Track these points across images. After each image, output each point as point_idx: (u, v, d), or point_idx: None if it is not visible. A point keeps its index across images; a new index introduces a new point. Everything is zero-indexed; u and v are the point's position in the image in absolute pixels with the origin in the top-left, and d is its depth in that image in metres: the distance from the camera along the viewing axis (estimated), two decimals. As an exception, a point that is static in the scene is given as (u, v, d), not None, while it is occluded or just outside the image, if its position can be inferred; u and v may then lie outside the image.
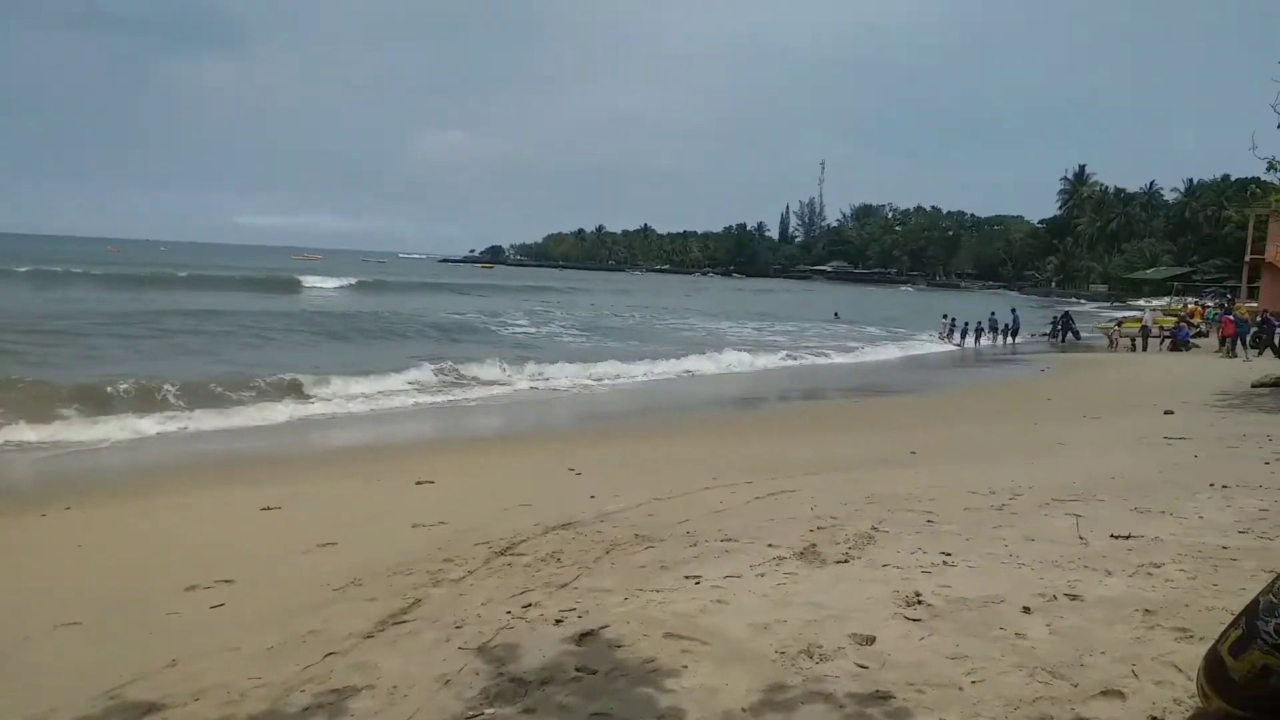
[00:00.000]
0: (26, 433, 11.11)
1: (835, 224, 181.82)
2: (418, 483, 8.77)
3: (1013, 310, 40.25)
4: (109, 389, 13.67)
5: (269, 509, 7.72)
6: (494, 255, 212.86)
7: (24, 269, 41.86)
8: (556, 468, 9.67)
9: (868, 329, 40.85)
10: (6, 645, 4.87)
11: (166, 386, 14.10)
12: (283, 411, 13.45)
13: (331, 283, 54.58)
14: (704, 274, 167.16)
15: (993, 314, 39.02)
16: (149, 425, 12.01)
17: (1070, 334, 37.49)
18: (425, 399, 15.80)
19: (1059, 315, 40.52)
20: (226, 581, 5.65)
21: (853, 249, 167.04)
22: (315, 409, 13.97)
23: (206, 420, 12.52)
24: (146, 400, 13.43)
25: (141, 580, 5.94)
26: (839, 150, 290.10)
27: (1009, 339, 37.37)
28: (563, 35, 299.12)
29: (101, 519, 7.87)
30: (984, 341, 36.60)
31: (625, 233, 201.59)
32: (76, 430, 11.60)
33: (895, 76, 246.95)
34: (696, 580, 4.71)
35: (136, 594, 5.65)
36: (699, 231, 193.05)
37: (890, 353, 30.48)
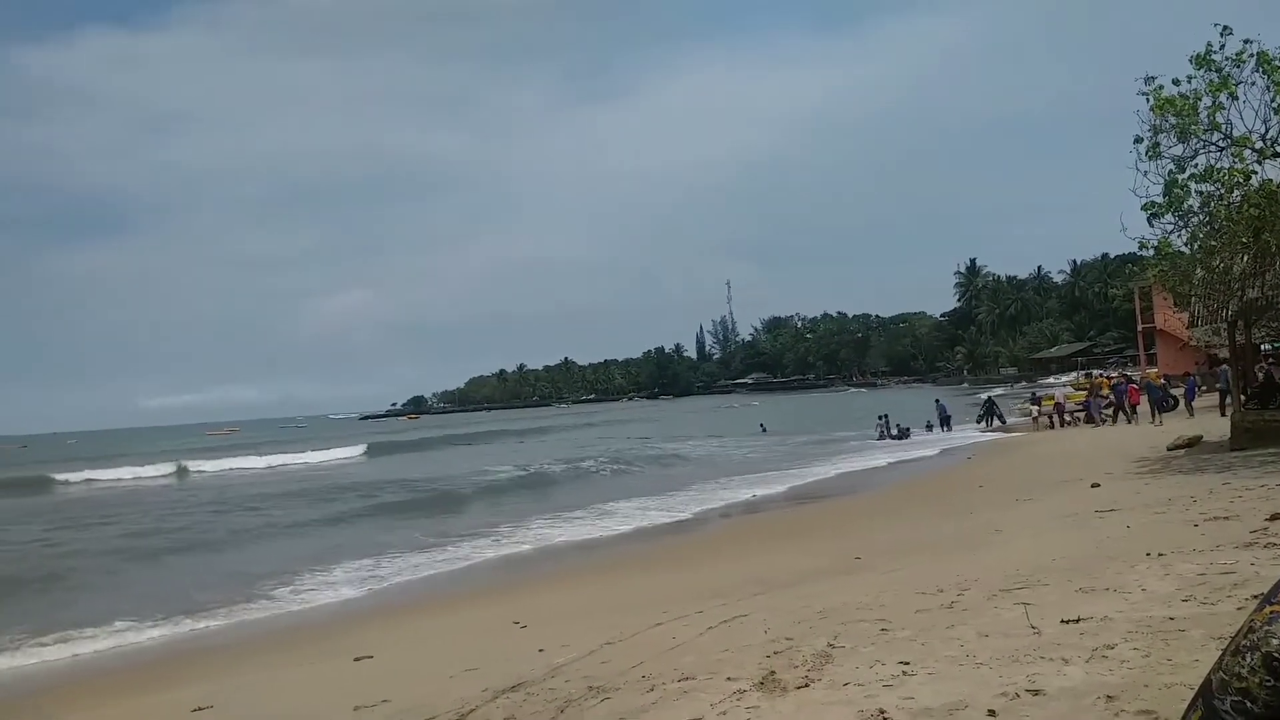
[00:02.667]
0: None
1: (749, 338, 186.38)
2: (356, 659, 8.33)
3: (937, 400, 41.68)
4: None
5: (199, 709, 7.22)
6: (417, 405, 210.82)
7: None
8: (500, 622, 9.34)
9: (796, 439, 41.19)
10: None
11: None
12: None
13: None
14: (630, 399, 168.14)
15: (938, 400, 41.04)
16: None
17: (996, 418, 38.71)
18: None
19: (984, 401, 42.02)
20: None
21: (769, 359, 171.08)
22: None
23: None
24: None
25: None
26: (741, 269, 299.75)
27: (946, 429, 38.52)
28: (452, 196, 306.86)
29: None
30: (939, 432, 37.74)
31: (547, 368, 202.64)
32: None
33: (779, 197, 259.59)
34: (657, 729, 4.53)
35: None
36: (620, 359, 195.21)
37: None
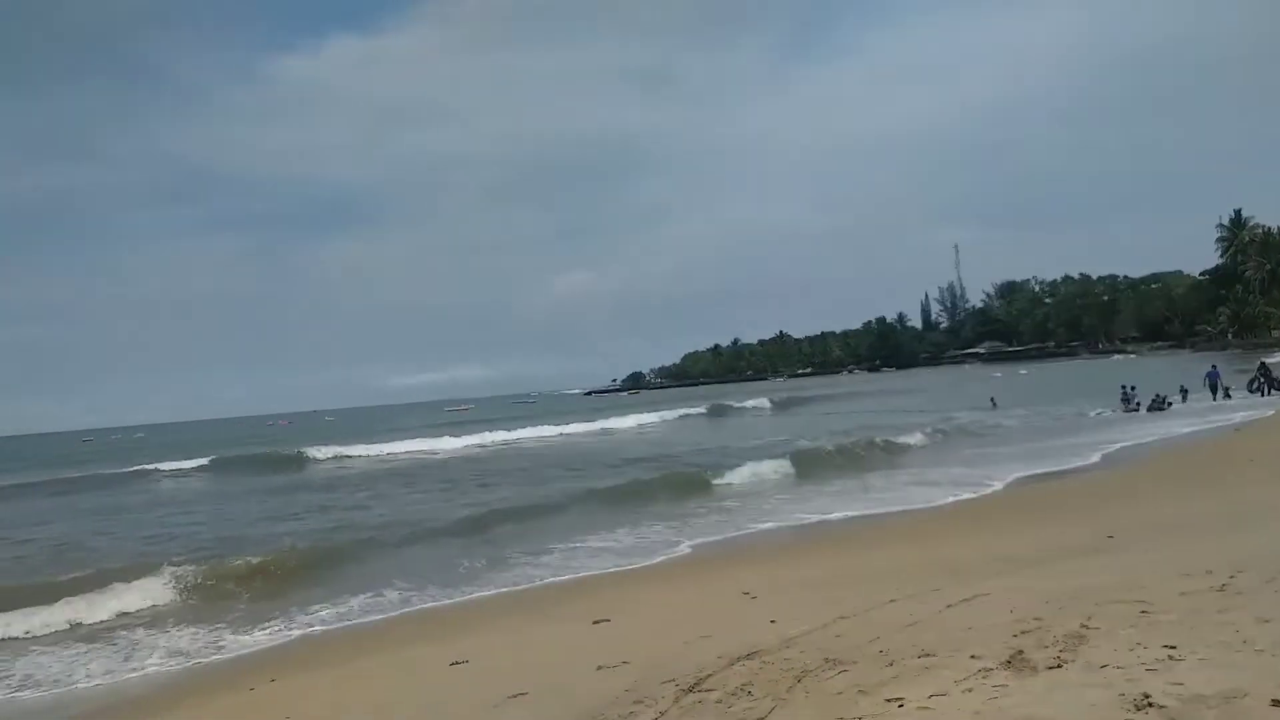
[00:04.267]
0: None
1: (980, 305, 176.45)
2: (595, 622, 8.77)
3: (1213, 367, 37.53)
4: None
5: (458, 663, 7.87)
6: (636, 381, 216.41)
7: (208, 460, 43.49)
8: (730, 592, 9.50)
9: (1035, 411, 38.20)
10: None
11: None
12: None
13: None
14: (850, 372, 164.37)
15: (1213, 367, 37.13)
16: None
17: (1271, 387, 34.58)
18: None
19: (1257, 367, 37.73)
20: (426, 742, 5.75)
21: (1003, 327, 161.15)
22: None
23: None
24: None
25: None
26: (968, 231, 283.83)
27: (1224, 397, 34.78)
28: (667, 171, 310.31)
29: (304, 689, 8.18)
30: (1212, 400, 34.20)
31: (761, 342, 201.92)
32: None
33: (1011, 152, 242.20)
34: (900, 703, 4.48)
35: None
36: (837, 330, 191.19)
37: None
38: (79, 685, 9.30)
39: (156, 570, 13.25)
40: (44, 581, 13.63)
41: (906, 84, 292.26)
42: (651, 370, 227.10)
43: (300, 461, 39.36)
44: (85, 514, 24.98)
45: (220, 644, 10.39)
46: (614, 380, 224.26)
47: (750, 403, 67.62)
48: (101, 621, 11.67)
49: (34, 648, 10.74)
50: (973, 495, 16.93)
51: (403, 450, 41.76)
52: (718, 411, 62.05)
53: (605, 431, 49.70)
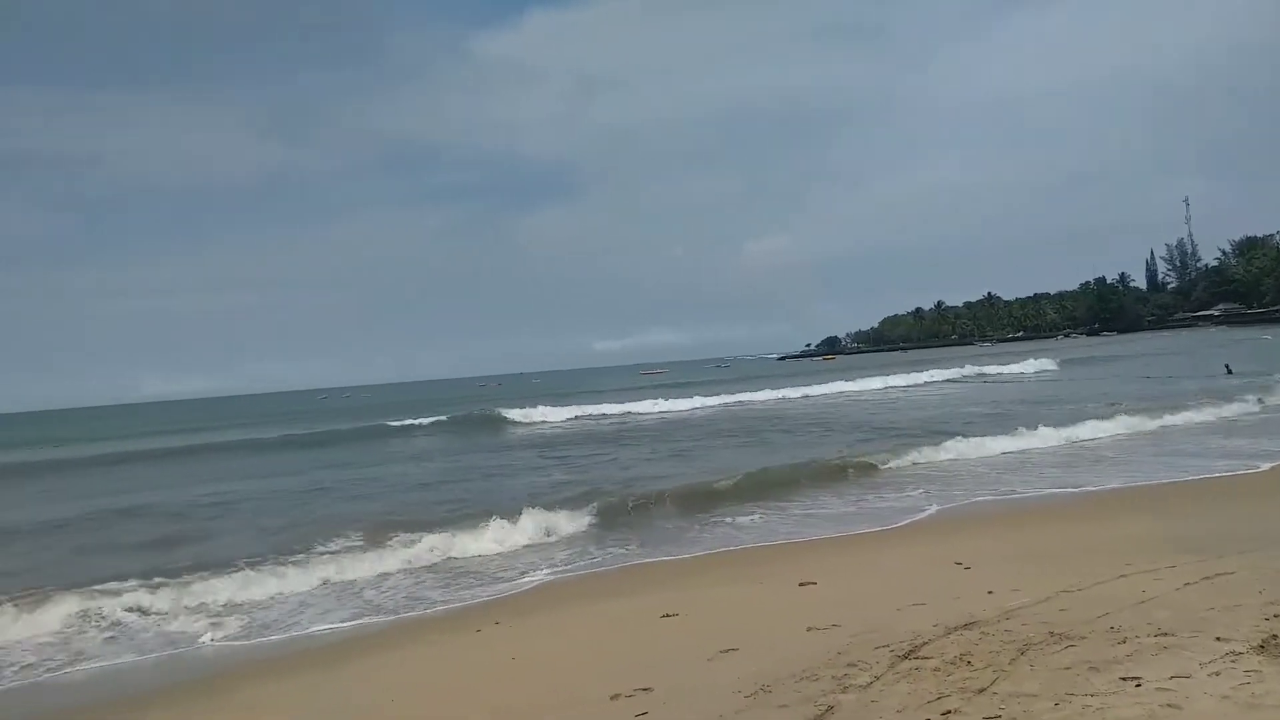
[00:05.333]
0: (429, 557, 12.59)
1: (1214, 263, 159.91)
2: (801, 584, 8.82)
3: None
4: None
5: (668, 616, 8.15)
6: (831, 346, 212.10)
7: (442, 417, 45.00)
8: (941, 562, 9.28)
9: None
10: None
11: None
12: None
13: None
14: (1065, 336, 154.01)
15: None
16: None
17: None
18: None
19: None
20: (645, 689, 6.01)
21: (1241, 287, 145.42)
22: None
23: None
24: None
25: (572, 688, 6.50)
26: (1200, 184, 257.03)
27: None
28: (863, 128, 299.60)
29: (525, 632, 8.72)
30: None
31: (967, 304, 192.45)
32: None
33: (1251, 93, 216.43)
34: (1137, 682, 4.28)
35: (570, 702, 6.18)
36: (1051, 292, 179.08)
37: None
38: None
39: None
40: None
41: (1128, 25, 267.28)
42: (847, 335, 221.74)
43: (520, 421, 41.07)
44: (403, 459, 27.82)
45: (458, 589, 11.20)
46: (808, 345, 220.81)
47: (1024, 366, 56.51)
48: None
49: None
50: (1229, 473, 15.27)
51: (642, 411, 42.82)
52: (977, 377, 53.96)
53: (849, 394, 47.15)
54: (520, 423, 40.59)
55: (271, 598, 10.90)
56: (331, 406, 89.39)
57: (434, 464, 26.24)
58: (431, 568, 12.06)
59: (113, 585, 11.14)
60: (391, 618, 9.92)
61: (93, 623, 10.10)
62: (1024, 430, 21.01)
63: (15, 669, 8.88)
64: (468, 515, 14.68)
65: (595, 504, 15.09)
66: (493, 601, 10.29)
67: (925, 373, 54.01)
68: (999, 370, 55.53)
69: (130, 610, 10.45)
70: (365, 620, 9.85)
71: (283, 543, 13.78)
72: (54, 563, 14.05)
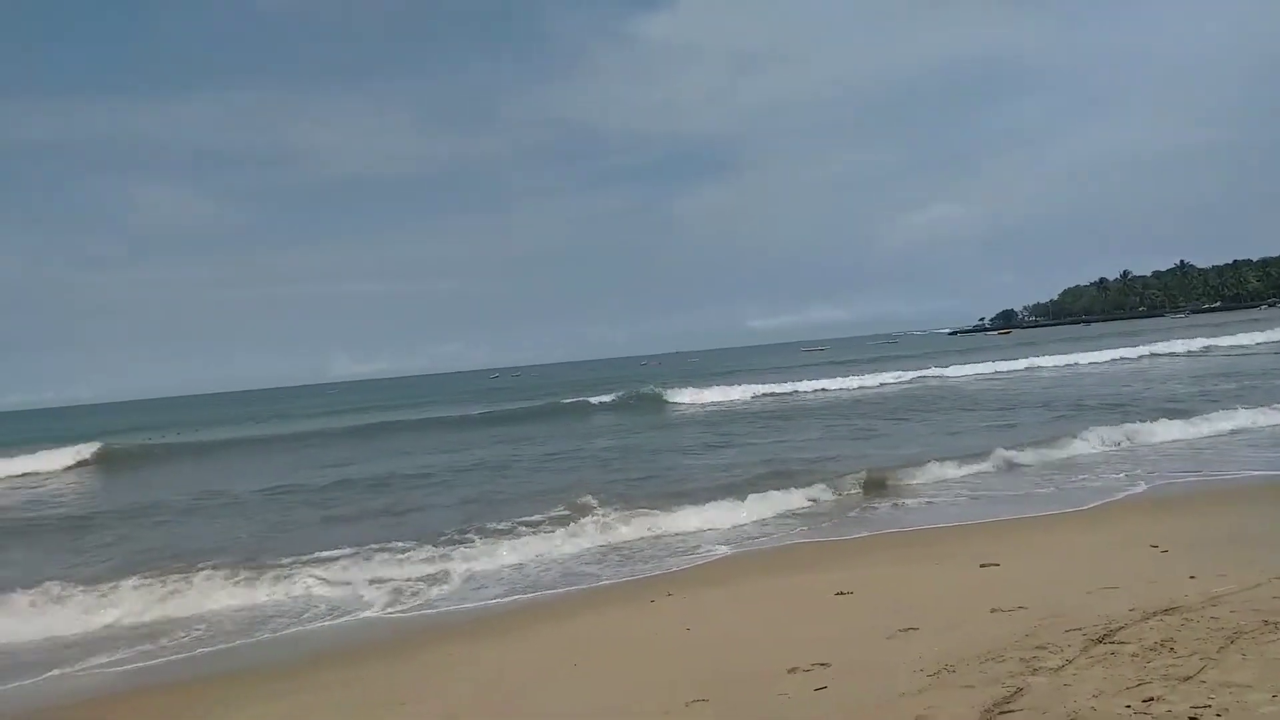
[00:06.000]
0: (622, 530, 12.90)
1: None
2: (982, 565, 8.56)
3: None
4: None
5: (842, 594, 8.10)
6: (1006, 320, 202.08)
7: (611, 396, 45.47)
8: (1134, 544, 8.77)
9: None
10: (649, 718, 5.69)
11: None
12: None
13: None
14: (1270, 305, 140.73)
15: None
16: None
17: None
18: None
19: None
20: (822, 664, 6.02)
21: None
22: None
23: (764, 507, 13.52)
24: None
25: (749, 661, 6.58)
26: None
27: None
28: (1036, 92, 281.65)
29: (699, 603, 8.87)
30: None
31: (1157, 274, 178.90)
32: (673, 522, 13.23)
33: None
34: (1369, 676, 3.95)
35: (747, 674, 6.27)
36: (1254, 259, 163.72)
37: None
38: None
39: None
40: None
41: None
42: (1024, 308, 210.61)
43: (684, 401, 41.17)
44: (579, 436, 28.81)
45: (639, 560, 11.51)
46: (982, 319, 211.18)
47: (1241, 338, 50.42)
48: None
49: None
50: None
51: (808, 389, 42.35)
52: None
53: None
54: (685, 402, 40.88)
55: (469, 568, 11.41)
56: (503, 386, 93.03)
57: (608, 441, 26.88)
58: (609, 543, 12.38)
59: (322, 554, 12.13)
60: (565, 590, 10.28)
61: (299, 589, 10.96)
62: (1237, 408, 19.40)
63: (230, 630, 9.82)
64: (646, 492, 15.03)
65: (770, 482, 15.11)
66: (665, 575, 10.51)
67: (1136, 347, 49.87)
68: (1209, 343, 49.42)
69: (322, 579, 11.27)
70: (544, 592, 10.26)
71: (478, 515, 14.64)
72: (264, 533, 15.38)
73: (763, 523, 12.94)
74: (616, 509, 13.76)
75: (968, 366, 47.49)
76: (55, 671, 8.52)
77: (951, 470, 15.55)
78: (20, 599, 10.74)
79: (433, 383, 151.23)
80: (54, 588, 10.95)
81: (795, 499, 14.07)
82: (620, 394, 45.28)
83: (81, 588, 11.02)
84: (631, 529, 12.80)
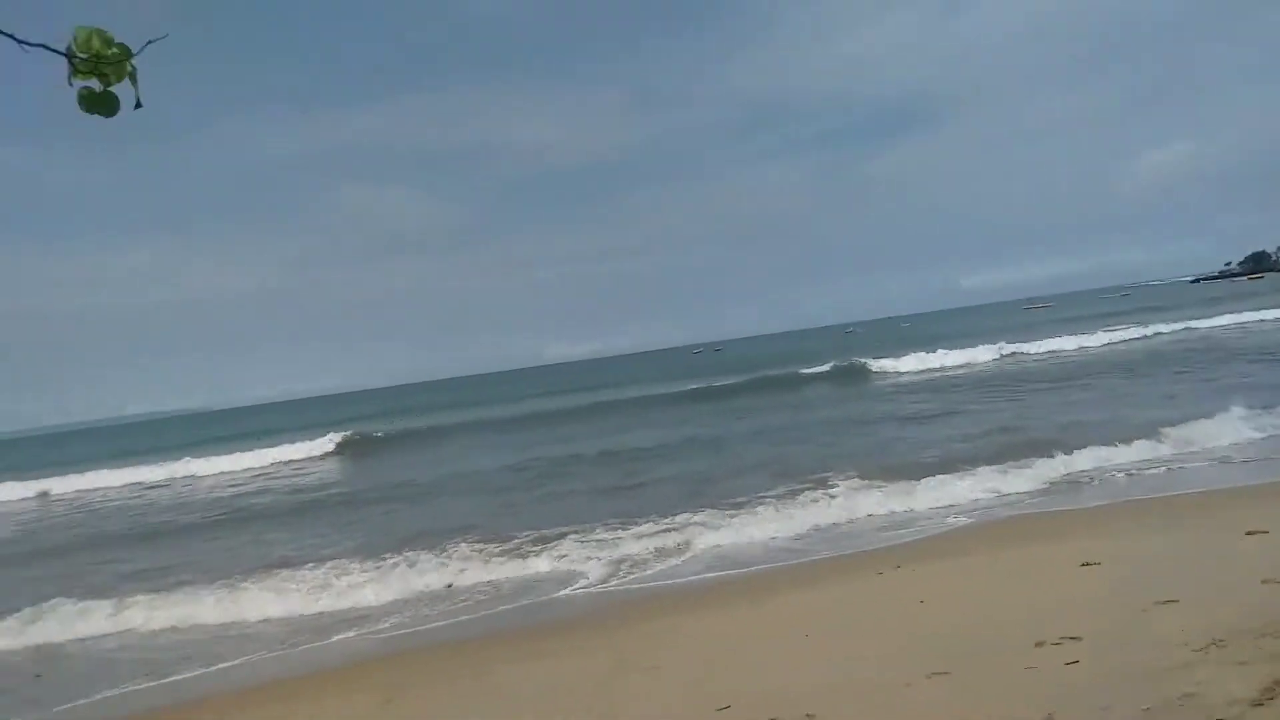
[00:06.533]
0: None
1: None
2: (1248, 533, 7.95)
3: None
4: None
5: (1088, 564, 7.78)
6: (1257, 263, 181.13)
7: (823, 367, 43.72)
8: None
9: None
10: (891, 689, 5.75)
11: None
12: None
13: None
14: None
15: None
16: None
17: None
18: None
19: None
20: (1073, 638, 5.85)
21: None
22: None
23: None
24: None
25: (990, 634, 6.48)
26: None
27: None
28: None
29: (930, 576, 8.77)
30: None
31: None
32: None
33: None
34: None
35: (989, 647, 6.19)
36: None
37: None
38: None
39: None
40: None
41: None
42: (1278, 249, 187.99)
43: (894, 370, 39.28)
44: (797, 408, 28.89)
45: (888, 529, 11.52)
46: (1227, 264, 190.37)
47: None
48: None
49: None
50: None
51: (1033, 351, 39.02)
52: None
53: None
54: (899, 370, 39.01)
55: (700, 542, 11.70)
56: (707, 361, 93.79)
57: (824, 413, 26.65)
58: (831, 517, 12.35)
59: (564, 528, 13.01)
60: (792, 563, 10.44)
61: (549, 561, 11.66)
62: None
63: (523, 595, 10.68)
64: (867, 465, 14.95)
65: (998, 453, 14.68)
66: (892, 548, 10.44)
67: None
68: None
69: (563, 553, 12.00)
70: (771, 565, 10.46)
71: (704, 490, 15.19)
72: (509, 509, 16.55)
73: (993, 494, 12.52)
74: (839, 482, 13.76)
75: (1218, 318, 42.86)
76: (350, 633, 9.68)
77: (1204, 430, 14.40)
78: (312, 573, 12.24)
79: (639, 361, 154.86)
80: (342, 563, 12.54)
81: (1024, 470, 13.49)
82: (831, 364, 43.99)
83: (357, 563, 12.44)
84: (853, 501, 12.77)
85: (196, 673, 8.96)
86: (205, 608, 11.25)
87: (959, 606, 7.52)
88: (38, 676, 9.61)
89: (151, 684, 8.76)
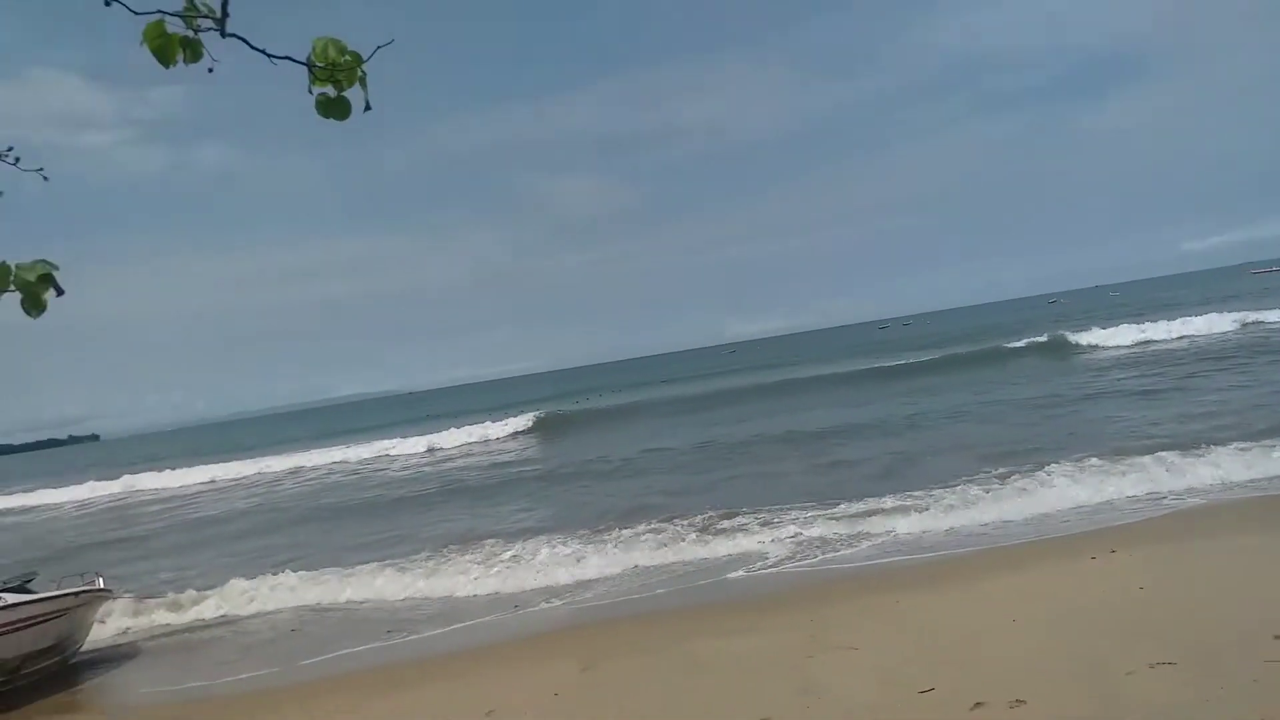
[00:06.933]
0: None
1: None
2: None
3: None
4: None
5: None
6: None
7: (1024, 341, 39.56)
8: None
9: None
10: (1109, 677, 5.42)
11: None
12: None
13: None
14: None
15: None
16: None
17: None
18: None
19: None
20: (1320, 633, 5.33)
21: None
22: None
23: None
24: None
25: (1221, 624, 5.99)
26: None
27: None
28: None
29: (1150, 561, 8.18)
30: None
31: None
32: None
33: None
34: None
35: (1221, 638, 5.72)
36: None
37: None
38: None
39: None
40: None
41: None
42: None
43: (1111, 345, 35.12)
44: (1008, 384, 27.48)
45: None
46: None
47: None
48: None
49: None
50: None
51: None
52: None
53: None
54: (1113, 344, 34.66)
55: (895, 524, 11.40)
56: (894, 337, 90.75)
57: (1031, 390, 24.80)
58: (1042, 500, 11.69)
59: (762, 508, 13.06)
60: (1000, 545, 10.04)
61: (745, 540, 11.69)
62: None
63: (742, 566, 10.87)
64: (1079, 447, 14.12)
65: (1235, 430, 13.65)
66: (1106, 530, 9.83)
67: None
68: None
69: (756, 532, 12.05)
70: (977, 548, 10.08)
71: (904, 469, 14.96)
72: (702, 487, 16.78)
73: (1226, 478, 11.41)
74: (1050, 464, 13.05)
75: None
76: (547, 604, 10.17)
77: None
78: (511, 546, 13.01)
79: (822, 338, 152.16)
80: (539, 537, 13.27)
81: (1272, 450, 12.23)
82: (1034, 338, 40.68)
83: (553, 538, 13.06)
84: (1063, 484, 12.06)
85: (420, 635, 9.72)
86: (411, 579, 12.07)
87: (1185, 594, 7.02)
88: (293, 631, 10.78)
89: (379, 644, 9.56)
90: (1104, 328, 38.02)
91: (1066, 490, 11.80)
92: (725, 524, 12.49)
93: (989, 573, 8.71)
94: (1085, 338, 36.82)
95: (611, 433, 31.20)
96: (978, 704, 5.21)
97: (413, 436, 36.65)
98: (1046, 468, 12.97)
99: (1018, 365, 34.09)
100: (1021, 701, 5.14)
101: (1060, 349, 36.57)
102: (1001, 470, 13.33)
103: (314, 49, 2.20)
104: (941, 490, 12.59)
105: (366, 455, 34.79)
